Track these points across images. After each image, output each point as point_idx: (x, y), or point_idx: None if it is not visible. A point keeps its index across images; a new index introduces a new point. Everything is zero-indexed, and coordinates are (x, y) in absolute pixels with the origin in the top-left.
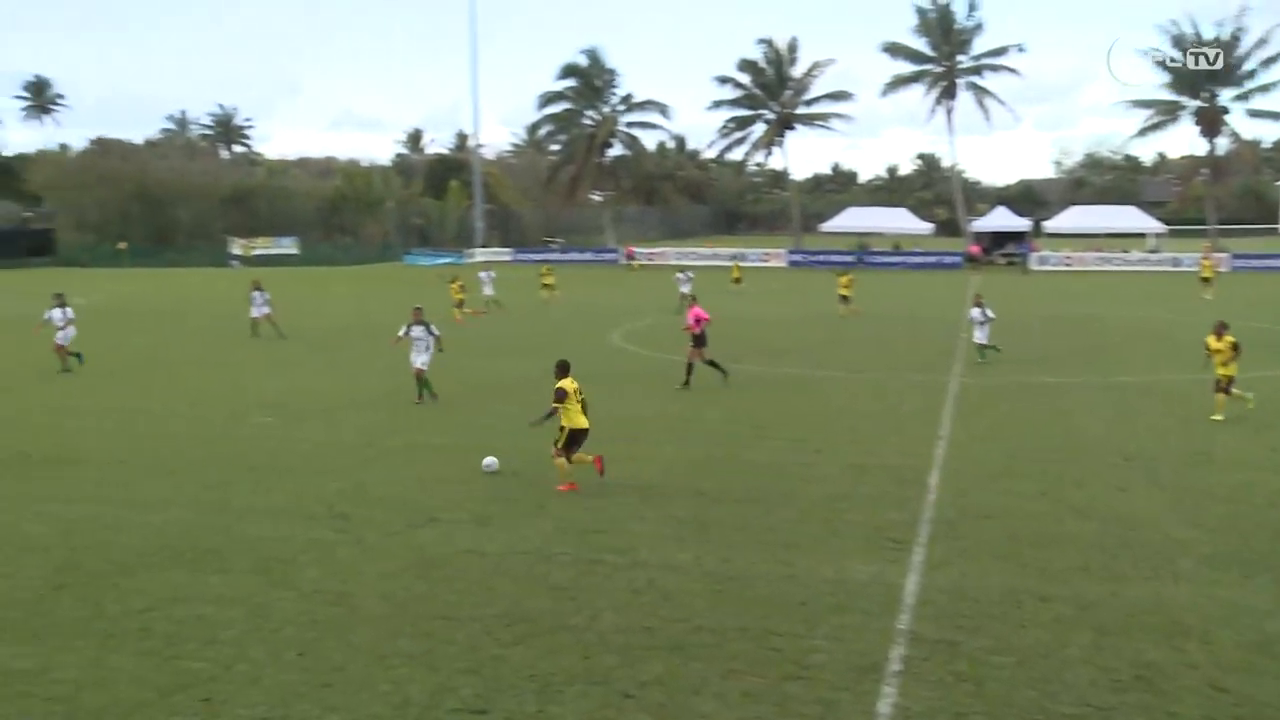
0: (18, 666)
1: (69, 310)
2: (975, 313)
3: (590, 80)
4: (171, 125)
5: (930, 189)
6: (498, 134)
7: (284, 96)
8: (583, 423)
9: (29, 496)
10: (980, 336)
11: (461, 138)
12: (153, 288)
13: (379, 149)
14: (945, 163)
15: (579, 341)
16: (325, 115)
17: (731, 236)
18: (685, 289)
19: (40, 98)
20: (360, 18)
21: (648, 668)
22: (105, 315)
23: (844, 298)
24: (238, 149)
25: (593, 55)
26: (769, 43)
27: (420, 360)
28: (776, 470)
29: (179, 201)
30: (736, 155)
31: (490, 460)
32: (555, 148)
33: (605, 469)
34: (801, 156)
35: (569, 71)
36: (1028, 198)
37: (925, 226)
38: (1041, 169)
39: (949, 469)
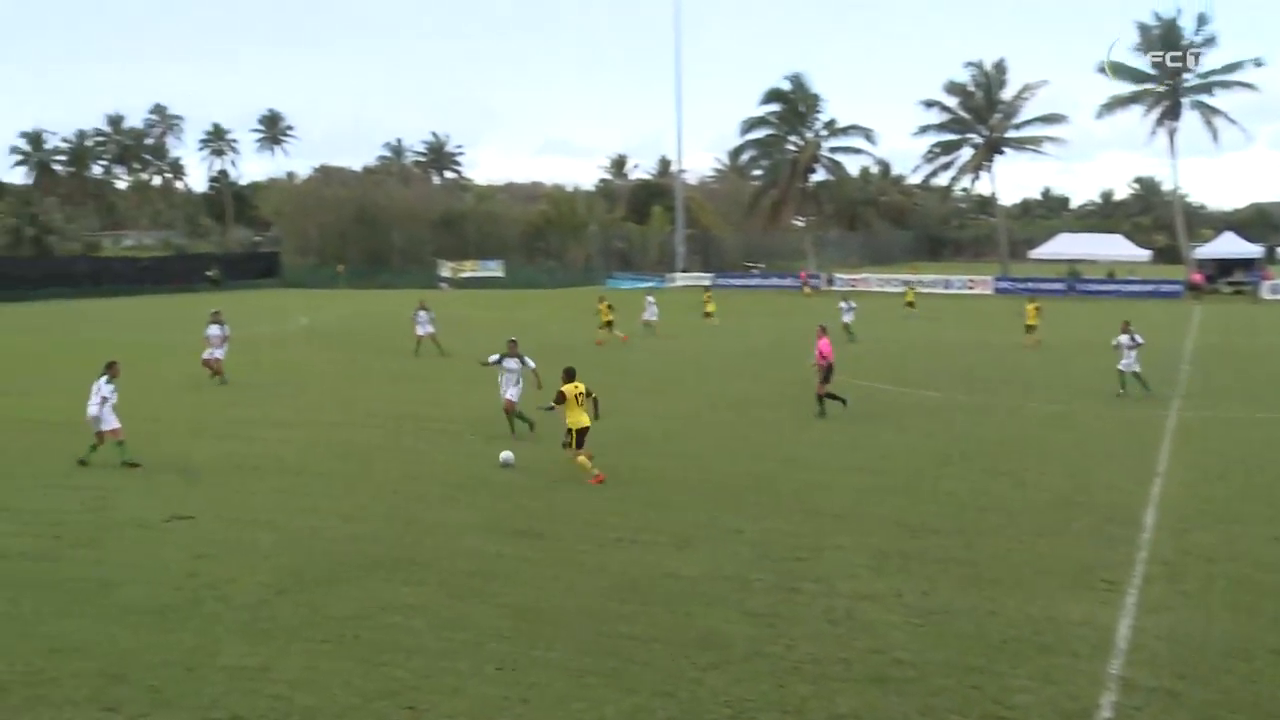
0: (245, 664)
1: (226, 328)
2: (1124, 339)
3: (794, 105)
4: (388, 153)
5: (1148, 214)
6: (700, 159)
7: (492, 124)
8: (584, 421)
9: (258, 506)
10: (1127, 364)
11: (664, 163)
12: (366, 308)
13: (583, 174)
14: (1165, 186)
15: (763, 367)
16: (532, 141)
17: (935, 262)
18: (848, 318)
19: (273, 130)
20: (566, 47)
21: (843, 700)
22: (320, 334)
23: (1029, 327)
24: (449, 175)
25: (796, 80)
26: (977, 65)
27: (511, 393)
28: (978, 502)
29: (393, 225)
30: (942, 180)
31: (507, 454)
32: (757, 173)
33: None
34: (1010, 181)
35: (772, 97)
36: (1260, 222)
37: (1142, 253)
38: (1276, 191)
39: (1166, 507)
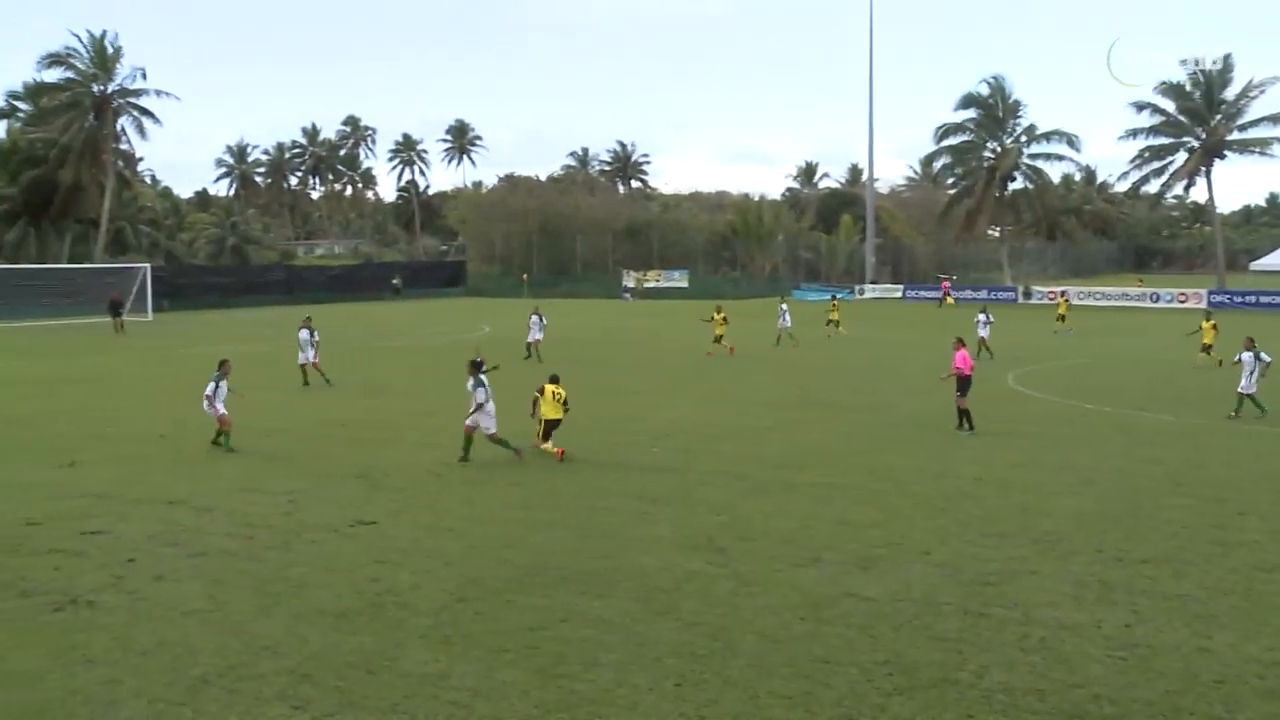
0: (426, 670)
1: (316, 334)
2: (1246, 356)
3: (992, 111)
4: (574, 162)
5: None
6: (891, 166)
7: (678, 132)
8: (555, 414)
9: (443, 513)
10: (1245, 386)
11: (854, 171)
12: (549, 317)
13: (770, 182)
14: None
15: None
16: (718, 149)
17: (1142, 274)
18: (983, 332)
19: (460, 140)
20: (754, 53)
21: None
22: (503, 342)
23: (1206, 346)
24: (634, 184)
25: (995, 84)
26: (1196, 62)
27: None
28: (1189, 530)
29: (577, 234)
30: (1152, 187)
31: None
32: (952, 181)
33: (565, 457)
34: (1230, 186)
35: (969, 102)
36: None
37: None
38: None
39: None
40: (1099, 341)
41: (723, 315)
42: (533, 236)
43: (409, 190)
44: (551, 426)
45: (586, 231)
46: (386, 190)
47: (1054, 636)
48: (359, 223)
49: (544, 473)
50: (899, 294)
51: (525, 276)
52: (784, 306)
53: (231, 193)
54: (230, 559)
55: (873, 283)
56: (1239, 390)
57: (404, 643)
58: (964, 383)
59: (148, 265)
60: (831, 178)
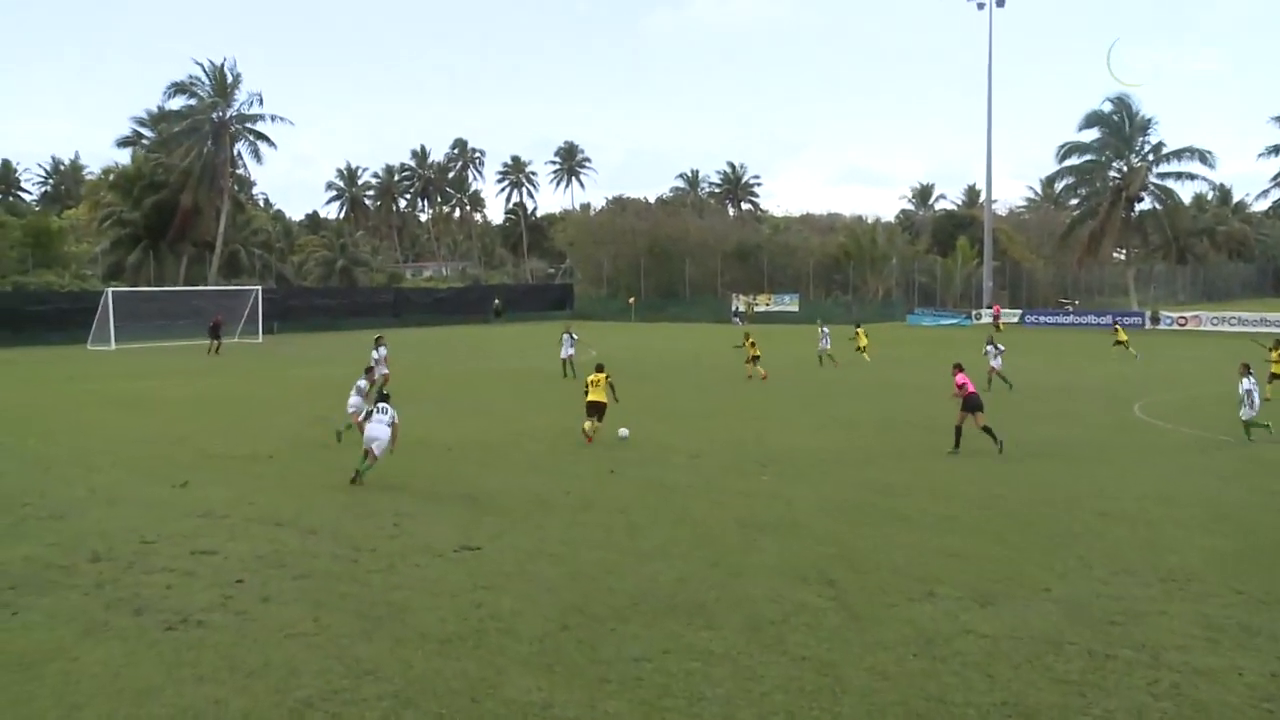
0: (528, 699)
1: (384, 350)
2: (1246, 383)
3: (1118, 128)
4: (682, 184)
5: None
6: (1010, 187)
7: (789, 153)
8: (600, 397)
9: (547, 539)
10: (1247, 413)
11: (971, 192)
12: (653, 341)
13: (883, 204)
14: None
15: (1074, 407)
16: (830, 170)
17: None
18: (995, 363)
19: (569, 161)
20: (867, 72)
21: None
22: (614, 368)
23: (1275, 375)
24: (744, 206)
25: (1120, 102)
26: None
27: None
28: None
29: (686, 257)
30: None
31: (624, 431)
32: (1074, 202)
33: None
34: None
35: (1093, 121)
36: None
37: None
38: None
39: None
40: (1233, 369)
41: (751, 340)
42: (640, 259)
43: (517, 212)
44: (595, 408)
45: (695, 254)
46: (495, 212)
47: (1187, 682)
48: (466, 245)
49: (649, 498)
50: (1016, 319)
51: (632, 300)
52: (825, 330)
53: (341, 215)
54: (335, 581)
55: (988, 307)
56: (1241, 418)
57: (506, 669)
58: (971, 402)
59: (259, 287)
60: (947, 199)
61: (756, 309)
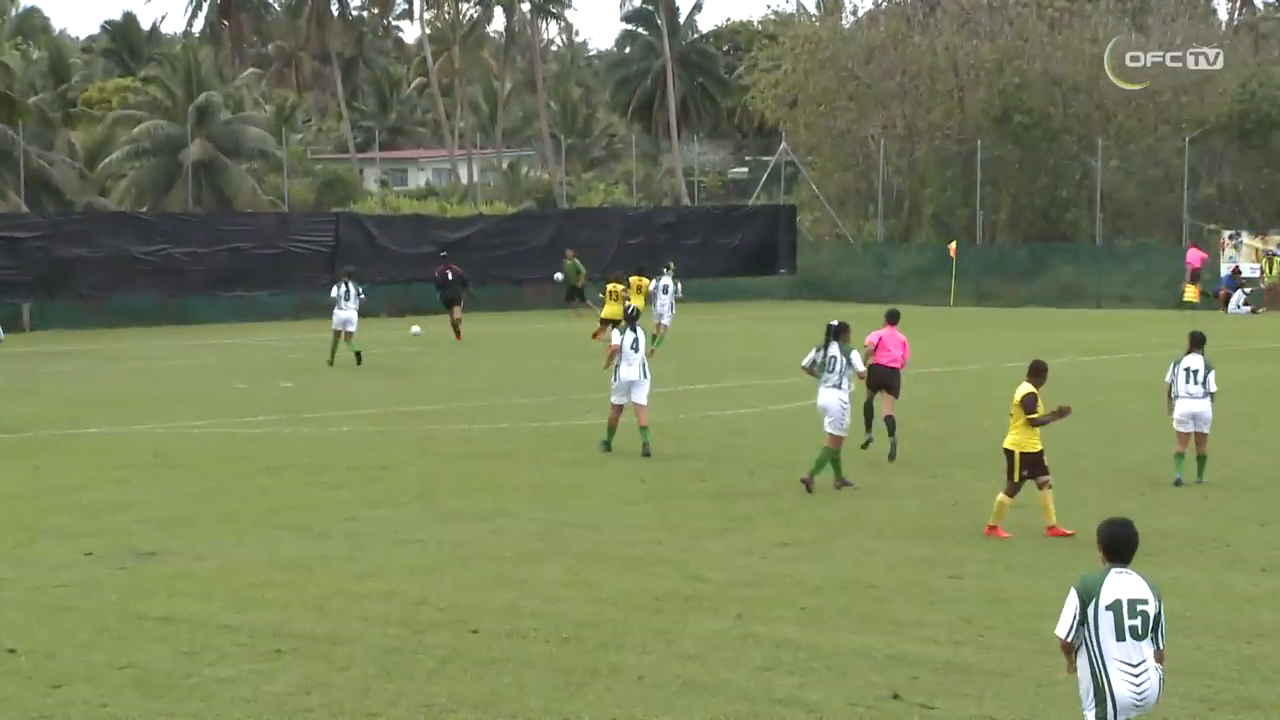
0: None
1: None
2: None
3: None
4: None
5: None
6: None
7: None
8: (617, 314)
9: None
10: None
11: None
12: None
13: None
14: None
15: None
16: None
17: None
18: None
19: None
20: None
21: None
22: None
23: None
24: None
25: None
26: None
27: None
28: None
29: (1097, 137)
30: None
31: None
32: None
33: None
34: None
35: None
36: None
37: None
38: None
39: None
40: None
41: (623, 287)
42: (980, 138)
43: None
44: (607, 323)
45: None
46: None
47: None
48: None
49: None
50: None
51: (953, 246)
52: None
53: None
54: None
55: None
56: None
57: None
58: (882, 377)
59: None
60: None
61: None
